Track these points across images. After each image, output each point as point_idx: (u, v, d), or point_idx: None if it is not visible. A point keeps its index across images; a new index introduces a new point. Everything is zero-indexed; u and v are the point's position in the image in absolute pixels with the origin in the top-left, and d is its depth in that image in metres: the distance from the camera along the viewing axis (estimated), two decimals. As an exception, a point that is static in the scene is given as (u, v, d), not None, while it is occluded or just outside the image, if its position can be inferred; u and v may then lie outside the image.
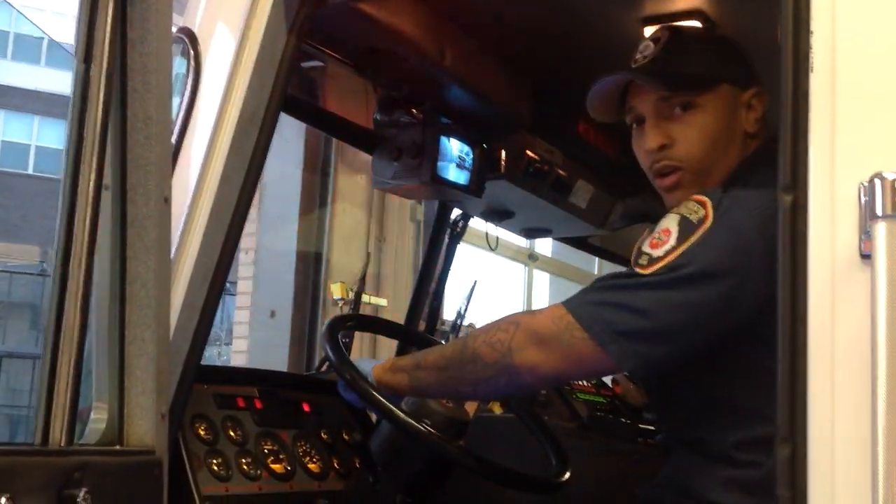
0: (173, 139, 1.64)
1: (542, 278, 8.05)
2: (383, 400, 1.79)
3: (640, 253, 1.59)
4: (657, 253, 1.56)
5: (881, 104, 1.18)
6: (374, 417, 2.26)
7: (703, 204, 1.58)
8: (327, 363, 2.20)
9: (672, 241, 1.55)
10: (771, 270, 1.28)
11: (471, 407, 2.03)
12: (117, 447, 1.38)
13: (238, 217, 1.67)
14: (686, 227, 1.56)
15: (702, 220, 1.56)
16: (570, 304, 1.60)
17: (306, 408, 2.19)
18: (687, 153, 1.72)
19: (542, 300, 8.11)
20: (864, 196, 1.13)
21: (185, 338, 1.60)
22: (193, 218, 1.63)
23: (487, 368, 1.64)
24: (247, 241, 5.65)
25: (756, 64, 1.78)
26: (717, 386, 1.63)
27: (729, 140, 1.73)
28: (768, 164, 1.65)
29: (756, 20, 1.67)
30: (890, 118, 1.17)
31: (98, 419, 1.40)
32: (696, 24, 2.12)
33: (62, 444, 1.25)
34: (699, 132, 1.71)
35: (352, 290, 5.00)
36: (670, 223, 1.58)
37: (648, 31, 2.19)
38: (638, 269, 1.56)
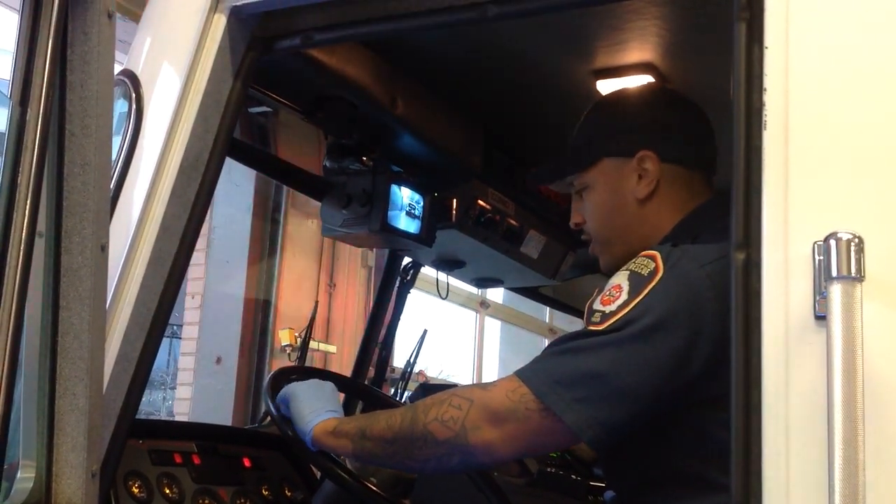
0: (112, 184, 1.59)
1: (493, 325, 8.04)
2: (327, 457, 1.73)
3: (592, 311, 1.56)
4: (609, 309, 1.53)
5: (835, 162, 1.17)
6: (318, 474, 2.20)
7: (652, 258, 1.57)
8: (270, 417, 2.14)
9: (624, 296, 1.53)
10: (723, 324, 1.25)
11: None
12: (44, 508, 1.32)
13: (178, 266, 1.61)
14: (637, 281, 1.54)
15: (652, 273, 1.54)
16: (524, 374, 1.55)
17: (247, 463, 2.13)
18: (592, 228, 1.83)
19: (492, 347, 8.10)
20: (819, 256, 1.12)
21: (119, 391, 1.54)
22: (131, 266, 1.57)
23: (439, 447, 1.57)
24: (194, 285, 5.58)
25: (706, 120, 1.79)
26: (672, 455, 1.58)
27: (620, 210, 1.78)
28: (710, 220, 1.67)
29: (708, 75, 1.68)
30: (844, 177, 1.17)
31: (25, 478, 1.34)
32: (648, 78, 2.13)
33: (-15, 506, 1.19)
34: (592, 209, 1.82)
35: (300, 336, 4.94)
36: (620, 279, 1.56)
37: (600, 83, 2.20)
38: (591, 328, 1.53)
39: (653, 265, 1.55)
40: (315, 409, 1.74)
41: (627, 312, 1.51)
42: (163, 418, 7.14)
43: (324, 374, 2.70)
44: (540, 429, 1.52)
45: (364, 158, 2.37)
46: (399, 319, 3.15)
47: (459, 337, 7.57)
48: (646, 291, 1.52)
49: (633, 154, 1.76)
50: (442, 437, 1.55)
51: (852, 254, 1.08)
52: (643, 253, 1.60)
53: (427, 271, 3.19)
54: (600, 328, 1.51)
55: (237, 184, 5.51)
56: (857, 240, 1.09)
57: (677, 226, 1.73)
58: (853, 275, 1.07)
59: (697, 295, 1.51)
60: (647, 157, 1.75)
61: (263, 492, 2.12)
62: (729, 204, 1.25)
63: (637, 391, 1.49)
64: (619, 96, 1.91)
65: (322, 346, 5.66)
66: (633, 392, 1.49)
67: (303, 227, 5.77)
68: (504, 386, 1.55)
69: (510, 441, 1.54)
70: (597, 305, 1.56)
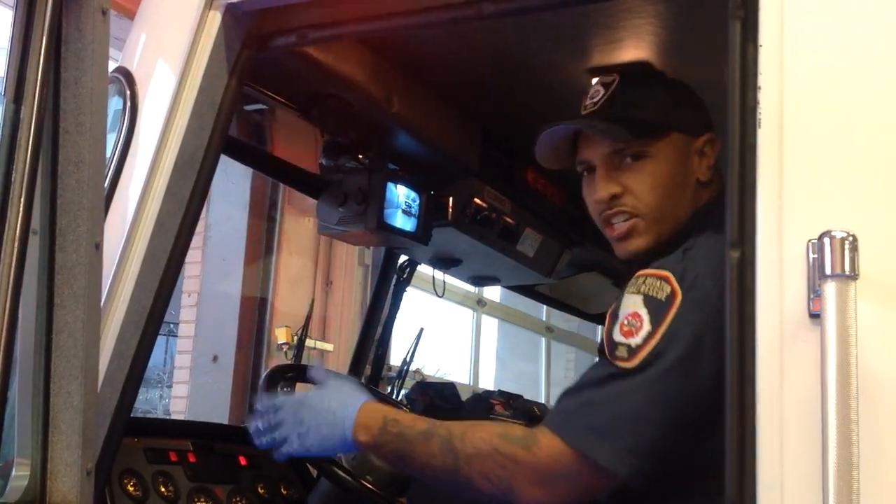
0: (106, 182, 1.59)
1: (490, 323, 8.04)
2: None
3: (615, 344, 1.50)
4: (635, 341, 1.48)
5: (829, 161, 1.17)
6: (314, 472, 2.20)
7: (665, 279, 1.51)
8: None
9: (647, 326, 1.48)
10: None
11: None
12: (39, 506, 1.31)
13: (173, 264, 1.61)
14: (656, 308, 1.49)
15: (670, 298, 1.48)
16: (568, 435, 1.49)
17: (243, 461, 2.13)
18: (640, 201, 1.67)
19: (490, 345, 8.09)
20: (813, 254, 1.12)
21: (114, 389, 1.54)
22: (126, 264, 1.57)
23: (484, 493, 1.54)
24: (190, 283, 5.57)
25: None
26: (684, 466, 1.52)
27: (682, 188, 1.69)
28: (722, 214, 1.65)
29: (703, 73, 1.68)
30: (838, 175, 1.17)
31: (20, 476, 1.34)
32: (644, 75, 2.12)
33: (-21, 504, 1.18)
34: (652, 180, 1.68)
35: (297, 334, 4.94)
36: (636, 306, 1.50)
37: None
38: (620, 364, 1.48)
39: (668, 288, 1.50)
40: (341, 407, 1.66)
41: (655, 345, 1.46)
42: (159, 416, 7.14)
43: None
44: (592, 484, 1.50)
45: (360, 156, 2.37)
46: (395, 317, 3.15)
47: (456, 335, 7.56)
48: (669, 320, 1.47)
49: (700, 134, 1.72)
50: (488, 490, 1.53)
51: (846, 252, 1.08)
52: (653, 273, 1.53)
53: (424, 269, 3.19)
54: (631, 366, 1.47)
55: (233, 182, 5.50)
56: (851, 238, 1.09)
57: (694, 214, 1.69)
58: (847, 273, 1.07)
59: (720, 316, 1.46)
60: (712, 141, 1.72)
61: (259, 490, 2.11)
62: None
63: (679, 423, 1.46)
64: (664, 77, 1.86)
65: (319, 345, 5.65)
66: (675, 425, 1.46)
67: (299, 225, 5.76)
68: (549, 449, 1.50)
69: (562, 497, 1.52)
70: (619, 338, 1.50)
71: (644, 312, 1.49)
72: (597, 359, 1.58)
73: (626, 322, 1.50)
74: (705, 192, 1.72)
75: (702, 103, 1.79)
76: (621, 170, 1.69)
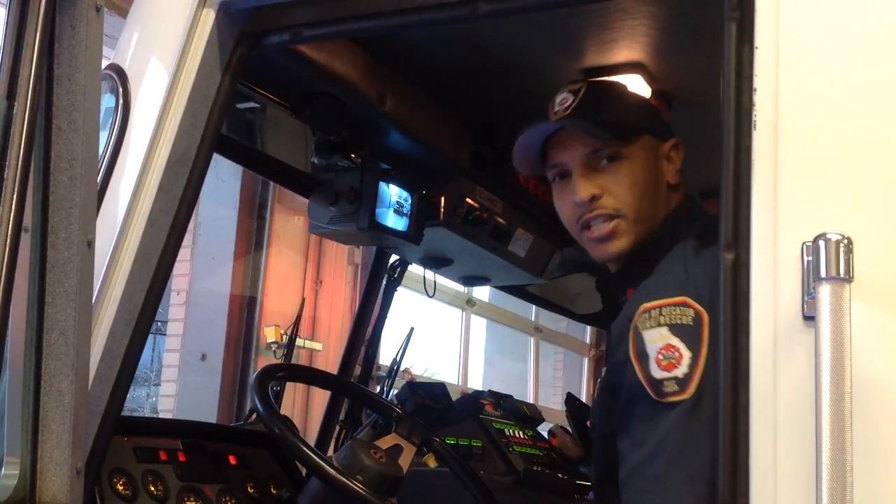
0: (98, 180, 1.58)
1: (479, 323, 8.04)
2: (313, 455, 1.72)
3: (661, 382, 1.46)
4: (682, 372, 1.45)
5: (824, 163, 1.18)
6: (304, 471, 2.19)
7: (685, 304, 1.49)
8: (255, 414, 2.13)
9: (687, 353, 1.45)
10: None
11: (405, 461, 1.98)
12: (28, 505, 1.30)
13: (165, 262, 1.60)
14: (689, 333, 1.46)
15: (698, 319, 1.46)
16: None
17: (233, 461, 2.12)
18: (620, 202, 1.69)
19: (478, 345, 8.10)
20: (808, 256, 1.12)
21: (104, 388, 1.53)
22: (117, 262, 1.56)
23: None
24: (179, 282, 5.55)
25: (698, 119, 1.79)
26: None
27: (656, 190, 1.73)
28: (693, 217, 1.67)
29: (698, 75, 1.68)
30: (833, 177, 1.17)
31: (9, 474, 1.33)
32: (637, 77, 2.12)
33: (-32, 503, 1.18)
34: (629, 181, 1.70)
35: (286, 333, 4.93)
36: (665, 338, 1.47)
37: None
38: (675, 399, 1.45)
39: (692, 311, 1.47)
40: None
41: (704, 368, 1.43)
42: (146, 415, 7.11)
43: (309, 372, 2.71)
44: None
45: (352, 155, 2.36)
46: (386, 317, 3.15)
47: (445, 335, 7.56)
48: (706, 340, 1.45)
49: (668, 139, 1.76)
50: None
51: (841, 254, 1.08)
52: (665, 302, 1.50)
53: (414, 269, 3.19)
54: (688, 395, 1.44)
55: (223, 180, 5.49)
56: (845, 240, 1.09)
57: (666, 217, 1.71)
58: (842, 275, 1.08)
59: None
60: (677, 146, 1.75)
61: (249, 489, 2.10)
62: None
63: None
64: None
65: (308, 344, 5.64)
66: None
67: (289, 223, 5.75)
68: None
69: None
70: (660, 374, 1.46)
71: (677, 341, 1.46)
72: (605, 384, 1.58)
73: (661, 357, 1.47)
74: (674, 195, 1.76)
75: (660, 113, 1.82)
76: (598, 171, 1.71)
